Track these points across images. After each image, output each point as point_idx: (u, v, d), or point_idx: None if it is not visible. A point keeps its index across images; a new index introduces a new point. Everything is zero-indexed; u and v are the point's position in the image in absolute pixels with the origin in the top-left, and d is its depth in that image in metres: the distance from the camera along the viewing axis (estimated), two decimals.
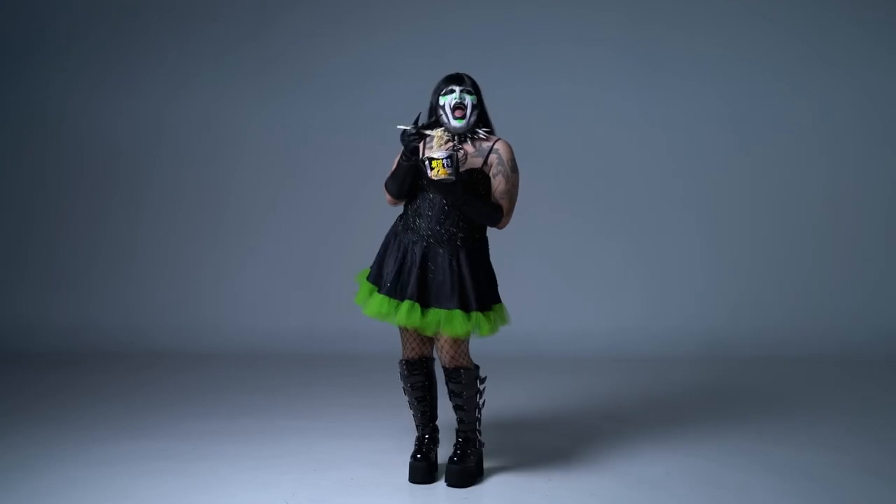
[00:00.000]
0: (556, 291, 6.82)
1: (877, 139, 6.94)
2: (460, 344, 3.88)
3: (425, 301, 3.81)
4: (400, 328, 3.93)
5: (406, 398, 4.10)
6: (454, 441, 4.06)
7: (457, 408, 3.98)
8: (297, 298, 6.93)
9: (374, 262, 3.96)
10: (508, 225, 4.00)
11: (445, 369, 3.91)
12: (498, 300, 3.92)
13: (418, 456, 4.00)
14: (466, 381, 3.93)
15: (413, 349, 4.01)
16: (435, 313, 3.78)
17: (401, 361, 4.05)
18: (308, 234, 7.05)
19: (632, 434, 4.70)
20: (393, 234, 3.96)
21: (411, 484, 3.98)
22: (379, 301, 3.79)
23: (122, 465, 4.20)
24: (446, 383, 3.96)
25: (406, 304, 3.76)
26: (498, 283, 3.98)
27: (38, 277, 7.12)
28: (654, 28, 6.93)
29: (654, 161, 7.01)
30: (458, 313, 3.75)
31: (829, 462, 4.29)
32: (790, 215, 7.00)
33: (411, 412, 4.11)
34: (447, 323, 3.76)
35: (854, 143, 6.99)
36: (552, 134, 6.91)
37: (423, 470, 3.96)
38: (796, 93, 6.96)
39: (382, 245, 3.97)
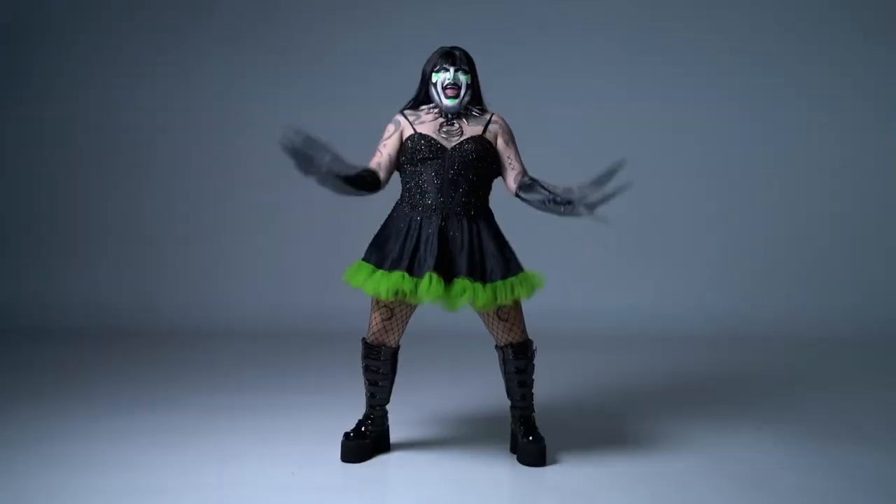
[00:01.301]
0: (567, 271, 6.78)
1: (892, 127, 6.96)
2: (522, 314, 3.83)
3: (451, 275, 3.73)
4: (386, 313, 3.83)
5: (365, 379, 4.00)
6: (514, 423, 3.99)
7: (519, 385, 3.91)
8: (306, 276, 6.91)
9: (373, 248, 3.83)
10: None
11: (512, 347, 3.84)
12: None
13: (351, 434, 3.97)
14: (532, 353, 3.89)
15: (396, 337, 3.91)
16: (470, 286, 3.69)
17: (378, 347, 3.92)
18: (316, 214, 7.03)
19: (650, 413, 4.73)
20: (395, 217, 3.88)
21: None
22: (397, 278, 3.67)
23: (131, 438, 4.25)
24: (507, 362, 3.87)
25: (428, 276, 3.67)
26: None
27: (48, 255, 7.16)
28: (663, 20, 7.03)
29: (664, 142, 7.04)
30: (512, 280, 3.71)
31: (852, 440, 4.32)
32: (802, 196, 7.04)
33: (369, 392, 4.01)
34: (505, 293, 3.69)
35: (870, 127, 7.02)
36: (563, 115, 6.95)
37: (356, 449, 3.94)
38: (806, 83, 7.03)
39: (381, 231, 3.87)
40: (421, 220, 3.78)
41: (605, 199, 3.53)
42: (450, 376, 5.40)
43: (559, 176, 6.22)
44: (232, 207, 7.19)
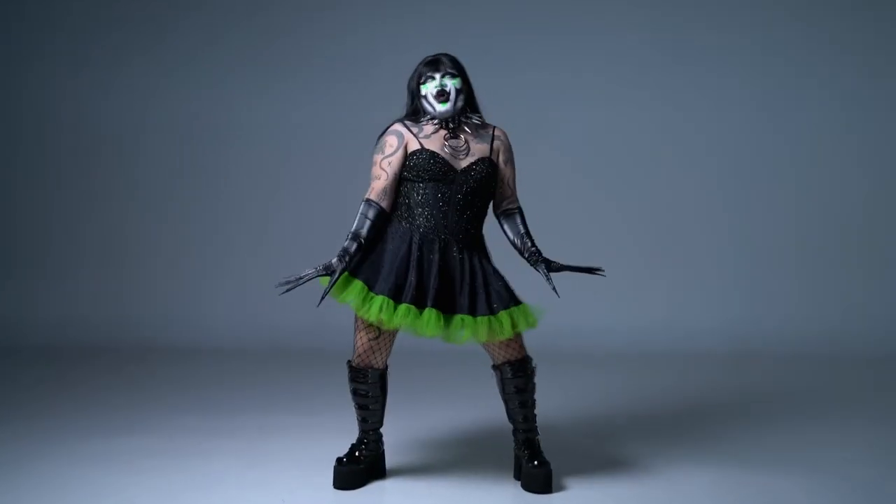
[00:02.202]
0: (574, 286, 6.48)
1: None
2: (521, 333, 3.82)
3: (449, 306, 3.71)
4: (373, 333, 3.79)
5: (355, 403, 3.94)
6: (517, 447, 3.94)
7: (521, 406, 3.86)
8: (294, 292, 6.68)
9: (367, 266, 3.75)
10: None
11: (511, 364, 3.82)
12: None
13: (345, 460, 3.92)
14: (530, 373, 3.85)
15: (383, 358, 3.87)
16: (471, 322, 3.68)
17: (365, 369, 3.87)
18: (306, 227, 7.01)
19: (661, 434, 4.68)
20: (392, 235, 3.80)
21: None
22: (402, 312, 3.63)
23: (113, 462, 4.20)
24: (506, 381, 3.84)
25: (428, 312, 3.64)
26: (511, 280, 3.94)
27: (25, 270, 7.18)
28: (678, 14, 7.02)
29: (676, 153, 7.06)
30: (519, 309, 3.72)
31: (868, 463, 4.24)
32: (821, 208, 7.02)
33: (360, 417, 3.96)
34: (506, 325, 3.68)
35: (888, 135, 7.01)
36: (568, 123, 6.99)
37: (349, 475, 3.89)
38: (827, 85, 7.03)
39: (374, 249, 3.78)
40: (421, 243, 3.72)
41: (568, 269, 3.78)
42: (450, 397, 5.38)
43: (564, 185, 6.89)
44: (214, 217, 7.21)
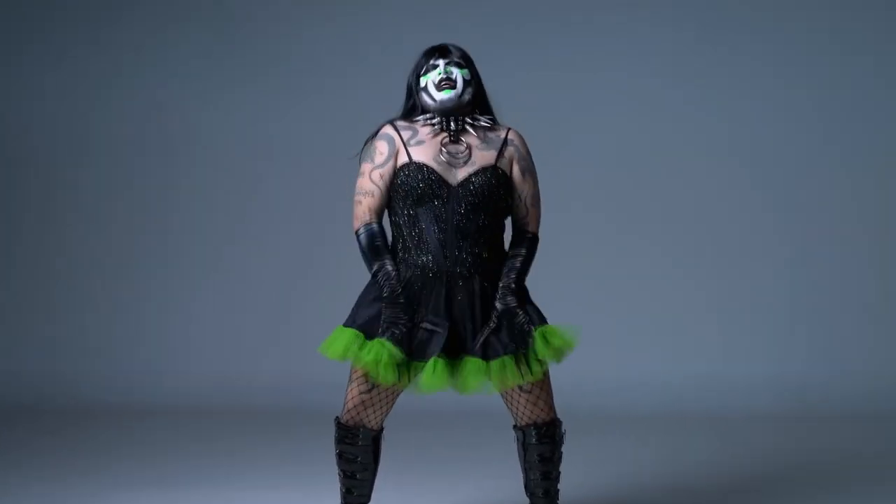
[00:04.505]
0: (598, 331, 6.24)
1: None
2: (549, 384, 3.69)
3: (458, 349, 3.58)
4: (365, 385, 3.60)
5: (340, 469, 3.74)
6: None
7: (543, 477, 3.71)
8: (261, 340, 6.72)
9: (357, 312, 3.62)
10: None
11: (536, 427, 3.67)
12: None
13: None
14: (560, 437, 3.73)
15: (379, 416, 3.67)
16: (484, 367, 3.54)
17: (355, 428, 3.68)
18: (277, 260, 6.82)
19: None
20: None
21: None
22: (399, 364, 3.51)
23: None
24: (529, 447, 3.70)
25: (432, 363, 3.50)
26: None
27: None
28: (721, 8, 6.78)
29: (719, 169, 6.75)
30: (545, 331, 3.58)
31: None
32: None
33: (345, 487, 3.73)
34: (516, 370, 3.54)
35: None
36: (587, 132, 6.73)
37: None
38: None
39: (367, 292, 3.63)
40: (421, 284, 3.57)
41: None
42: (450, 464, 5.21)
43: (581, 207, 6.65)
44: (167, 255, 6.92)
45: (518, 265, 3.59)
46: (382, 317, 3.46)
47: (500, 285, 3.55)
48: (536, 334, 3.53)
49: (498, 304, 3.53)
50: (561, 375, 4.14)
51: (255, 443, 5.65)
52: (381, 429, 3.70)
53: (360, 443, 3.65)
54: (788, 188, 6.76)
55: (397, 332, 3.49)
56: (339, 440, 3.67)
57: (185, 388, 6.59)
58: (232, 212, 6.91)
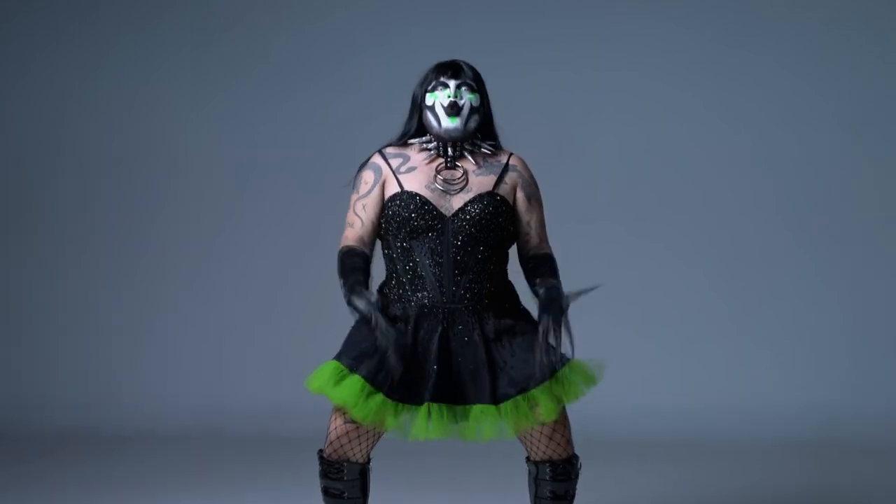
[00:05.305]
0: (625, 354, 6.19)
1: None
2: (567, 419, 3.61)
3: (460, 396, 3.52)
4: (349, 420, 3.52)
5: None
6: None
7: None
8: (242, 364, 6.59)
9: (346, 348, 3.53)
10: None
11: (552, 465, 3.60)
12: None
13: None
14: (574, 476, 3.65)
15: (365, 449, 3.59)
16: (493, 412, 3.47)
17: (339, 463, 3.61)
18: (259, 276, 6.66)
19: None
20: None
21: None
22: (379, 403, 3.41)
23: None
24: (541, 483, 3.61)
25: (426, 408, 3.42)
26: None
27: None
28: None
29: (743, 181, 6.59)
30: (551, 384, 3.47)
31: None
32: None
33: None
34: (544, 405, 3.45)
35: None
36: (598, 141, 6.61)
37: None
38: None
39: (357, 328, 3.53)
40: (416, 320, 3.51)
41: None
42: (447, 497, 5.12)
43: (594, 226, 6.56)
44: (141, 271, 6.73)
45: (554, 275, 3.55)
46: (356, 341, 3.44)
47: (538, 281, 3.52)
48: (568, 373, 3.47)
49: (539, 291, 3.44)
50: (582, 403, 3.90)
51: (236, 474, 5.54)
52: (368, 460, 3.61)
53: (345, 477, 3.56)
54: (827, 210, 6.60)
55: (372, 365, 3.41)
56: (324, 475, 3.59)
57: (162, 414, 6.50)
58: (211, 227, 6.79)
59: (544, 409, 3.41)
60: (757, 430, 6.29)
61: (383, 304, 3.38)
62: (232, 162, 6.82)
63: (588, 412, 5.83)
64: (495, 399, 3.45)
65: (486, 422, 3.45)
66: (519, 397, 3.42)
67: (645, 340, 6.57)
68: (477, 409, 3.46)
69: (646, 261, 6.63)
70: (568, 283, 6.40)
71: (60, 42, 6.82)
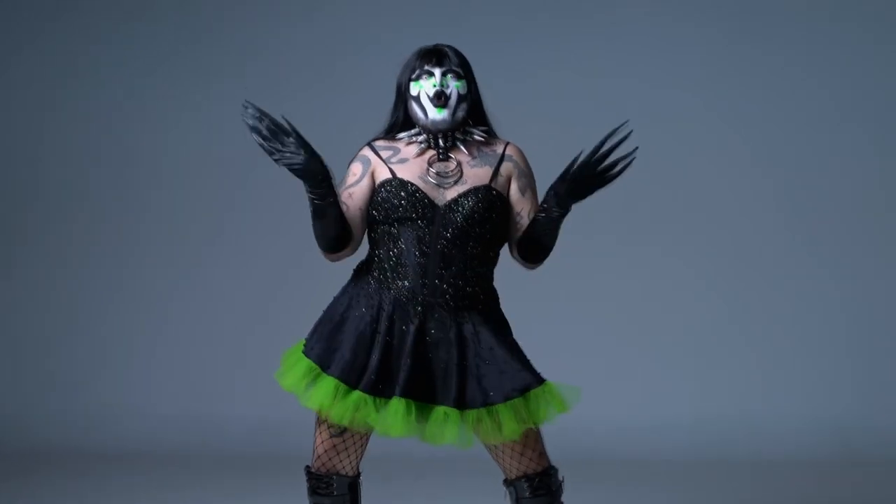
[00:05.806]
0: (620, 366, 6.39)
1: None
2: (539, 433, 3.53)
3: (430, 396, 3.44)
4: (336, 429, 3.48)
5: None
6: None
7: None
8: (232, 376, 6.52)
9: (319, 336, 3.49)
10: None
11: (528, 480, 3.50)
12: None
13: None
14: (557, 487, 3.56)
15: (353, 461, 3.53)
16: (455, 417, 3.39)
17: (328, 477, 3.56)
18: (250, 286, 6.62)
19: None
20: (355, 295, 3.53)
21: None
22: (353, 402, 3.35)
23: None
24: (522, 500, 3.52)
25: (395, 403, 3.34)
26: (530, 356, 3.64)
27: None
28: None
29: (757, 191, 6.57)
30: (538, 393, 3.39)
31: None
32: None
33: None
34: (506, 423, 3.38)
35: None
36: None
37: None
38: None
39: (333, 308, 3.53)
40: (392, 309, 3.44)
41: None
42: None
43: (601, 238, 6.43)
44: (128, 280, 6.69)
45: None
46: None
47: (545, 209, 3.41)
48: (539, 392, 3.35)
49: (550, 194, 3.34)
50: (574, 420, 3.92)
51: (225, 491, 5.48)
52: (358, 473, 3.55)
53: (335, 492, 3.51)
54: (828, 211, 6.58)
55: (343, 359, 3.35)
56: (312, 491, 3.54)
57: (148, 429, 6.44)
58: (200, 232, 6.75)
59: (506, 429, 3.32)
60: (765, 445, 6.22)
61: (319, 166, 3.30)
62: (221, 166, 6.74)
63: (596, 428, 5.80)
64: (460, 404, 3.37)
65: (447, 426, 3.36)
66: (483, 410, 3.35)
67: (645, 354, 6.48)
68: (440, 410, 3.37)
69: (646, 261, 6.58)
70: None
71: (55, 42, 6.79)
